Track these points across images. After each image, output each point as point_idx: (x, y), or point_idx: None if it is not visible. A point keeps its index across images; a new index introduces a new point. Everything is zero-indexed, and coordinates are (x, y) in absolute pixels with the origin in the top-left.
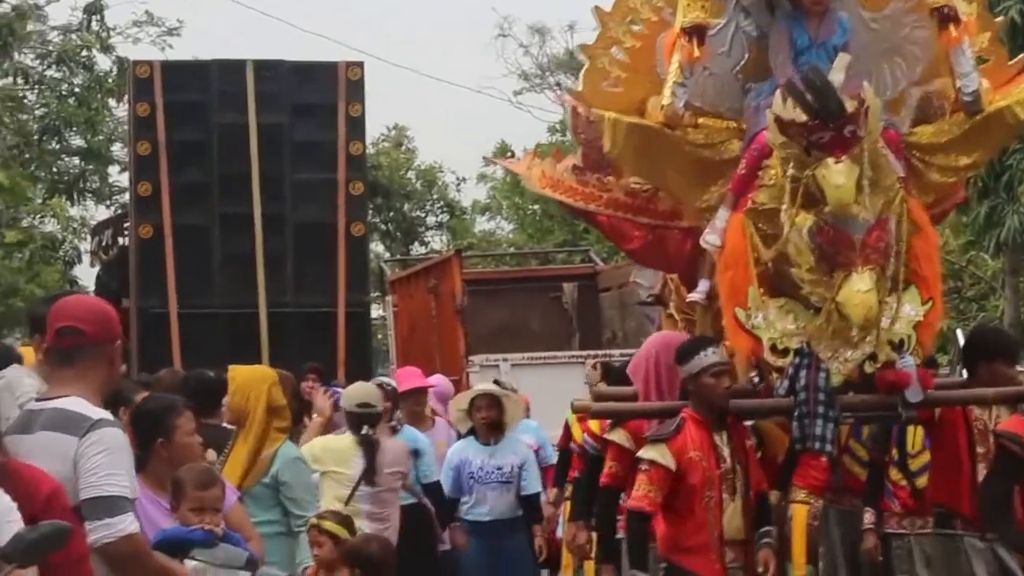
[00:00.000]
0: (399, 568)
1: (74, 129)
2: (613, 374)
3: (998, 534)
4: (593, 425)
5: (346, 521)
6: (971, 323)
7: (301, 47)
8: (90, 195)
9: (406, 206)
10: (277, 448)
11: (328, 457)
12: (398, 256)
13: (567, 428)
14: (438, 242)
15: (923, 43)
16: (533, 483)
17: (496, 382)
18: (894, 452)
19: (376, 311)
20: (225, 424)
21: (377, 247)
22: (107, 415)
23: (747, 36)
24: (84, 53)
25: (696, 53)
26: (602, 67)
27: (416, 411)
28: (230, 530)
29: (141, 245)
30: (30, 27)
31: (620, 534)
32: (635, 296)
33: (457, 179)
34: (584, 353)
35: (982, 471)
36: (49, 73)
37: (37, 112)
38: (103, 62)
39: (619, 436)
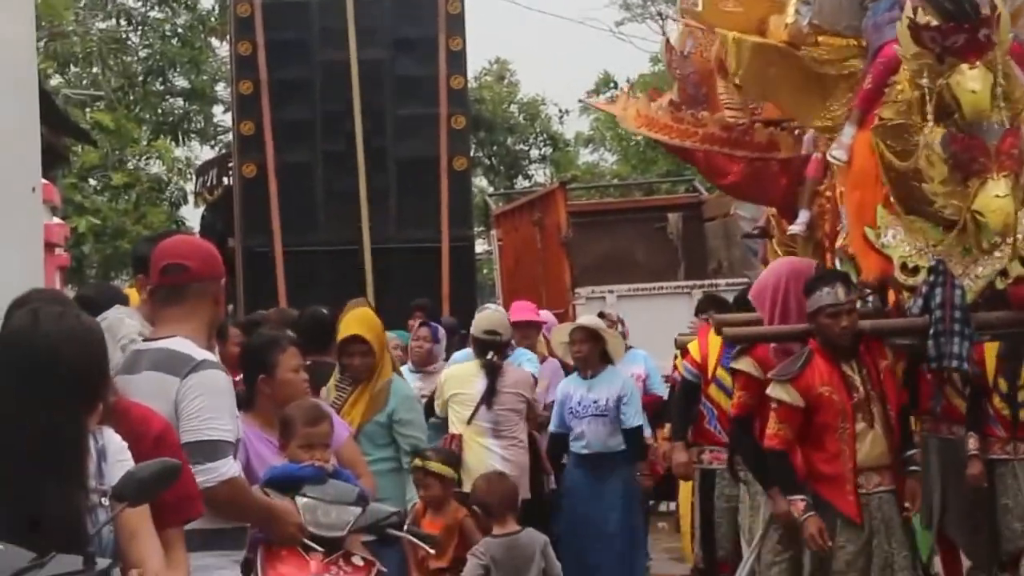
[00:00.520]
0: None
1: (177, 70)
2: (721, 305)
3: None
4: (694, 351)
5: (451, 459)
6: None
7: None
8: (194, 135)
9: (509, 140)
10: (389, 383)
11: (453, 381)
12: (502, 190)
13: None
14: (542, 175)
15: None
16: (632, 416)
17: (601, 314)
18: (1001, 382)
19: (481, 246)
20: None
21: (481, 181)
22: (211, 356)
23: None
24: None
25: None
26: None
27: (525, 344)
28: (341, 466)
29: (245, 184)
30: None
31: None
32: (740, 227)
33: (560, 111)
34: (690, 283)
35: None
36: (152, 14)
37: (140, 54)
38: (205, 1)
39: (746, 364)
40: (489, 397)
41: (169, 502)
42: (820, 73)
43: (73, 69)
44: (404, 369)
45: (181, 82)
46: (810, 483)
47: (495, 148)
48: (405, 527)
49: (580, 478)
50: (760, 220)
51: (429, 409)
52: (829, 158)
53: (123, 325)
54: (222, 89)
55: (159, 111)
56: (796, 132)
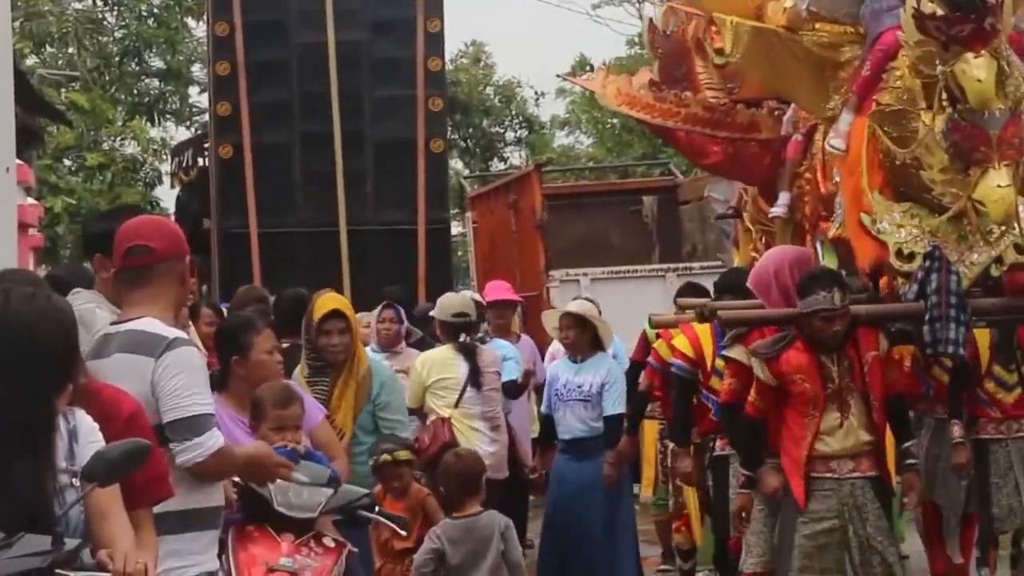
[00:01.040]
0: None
1: (153, 50)
2: (701, 293)
3: None
4: (685, 347)
5: (408, 444)
6: None
7: None
8: (170, 116)
9: (485, 122)
10: (369, 369)
11: (432, 367)
12: (477, 172)
13: (643, 339)
14: (517, 158)
15: None
16: (612, 404)
17: (576, 298)
18: (997, 368)
19: (456, 228)
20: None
21: (456, 164)
22: (182, 334)
23: None
24: None
25: None
26: None
27: (501, 324)
28: (315, 448)
29: (221, 165)
30: None
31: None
32: (714, 209)
33: (536, 94)
34: (664, 266)
35: None
36: None
37: (116, 34)
38: None
39: (738, 352)
40: (475, 378)
41: (139, 483)
42: (821, 57)
43: (48, 49)
44: (368, 350)
45: (157, 62)
46: (777, 456)
47: (471, 130)
48: (376, 509)
49: (564, 462)
50: (732, 200)
51: None
52: (828, 147)
53: (96, 318)
54: (198, 70)
55: (135, 91)
56: (776, 113)
